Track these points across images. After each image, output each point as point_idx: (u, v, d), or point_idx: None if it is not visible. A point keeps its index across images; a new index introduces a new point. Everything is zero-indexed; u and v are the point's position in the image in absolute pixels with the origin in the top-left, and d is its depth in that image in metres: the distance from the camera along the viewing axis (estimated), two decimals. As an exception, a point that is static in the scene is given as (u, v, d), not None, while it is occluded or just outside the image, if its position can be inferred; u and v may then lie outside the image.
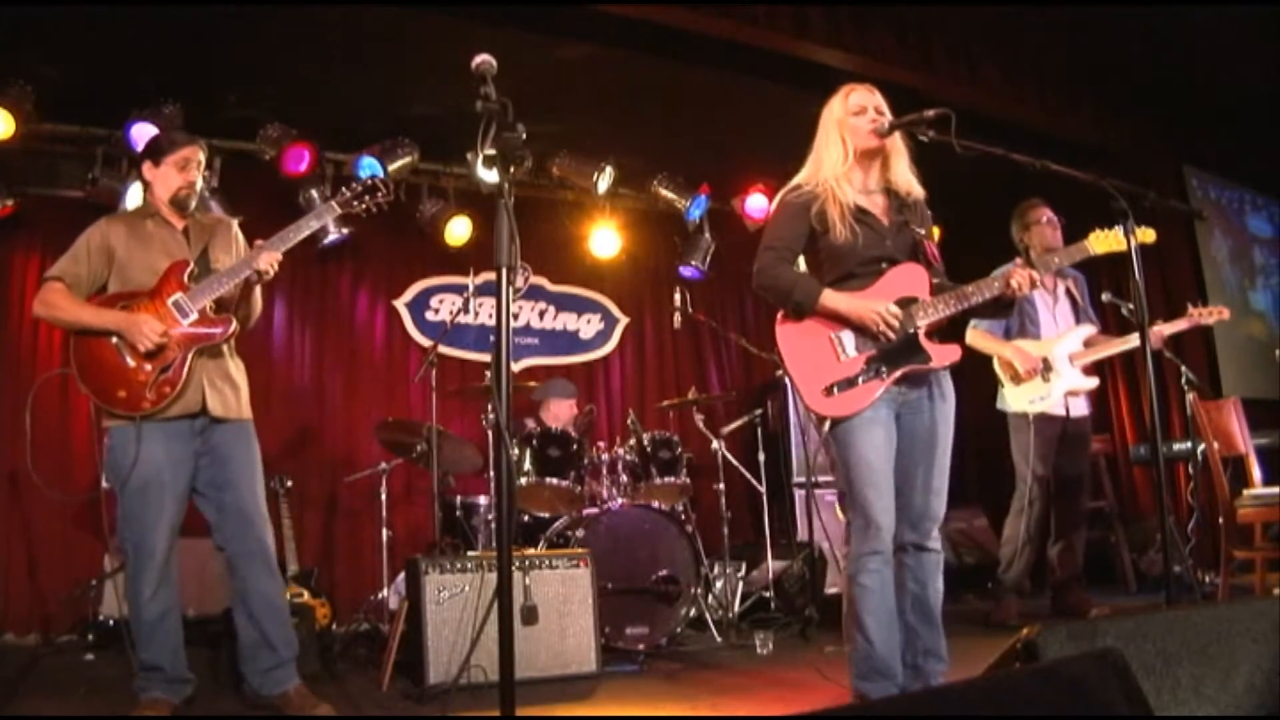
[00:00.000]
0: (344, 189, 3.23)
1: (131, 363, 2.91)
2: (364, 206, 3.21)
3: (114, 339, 2.92)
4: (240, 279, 3.04)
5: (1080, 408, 4.45)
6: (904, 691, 2.53)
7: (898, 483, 2.62)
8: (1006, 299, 2.68)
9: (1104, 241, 2.87)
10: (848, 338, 2.61)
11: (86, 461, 5.08)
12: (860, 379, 2.57)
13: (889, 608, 2.57)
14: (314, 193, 5.42)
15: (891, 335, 2.59)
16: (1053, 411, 4.34)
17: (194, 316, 2.97)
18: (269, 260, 3.00)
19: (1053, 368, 4.31)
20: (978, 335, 4.33)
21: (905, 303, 2.63)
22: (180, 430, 2.97)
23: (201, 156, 3.17)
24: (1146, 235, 2.85)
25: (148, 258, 3.03)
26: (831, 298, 2.60)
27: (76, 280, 3.00)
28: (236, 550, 3.00)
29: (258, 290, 3.17)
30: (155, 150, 3.16)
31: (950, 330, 2.72)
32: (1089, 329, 4.41)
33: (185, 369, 2.93)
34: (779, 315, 2.68)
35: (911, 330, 2.62)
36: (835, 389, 2.56)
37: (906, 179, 2.72)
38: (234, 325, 3.03)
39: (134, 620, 2.91)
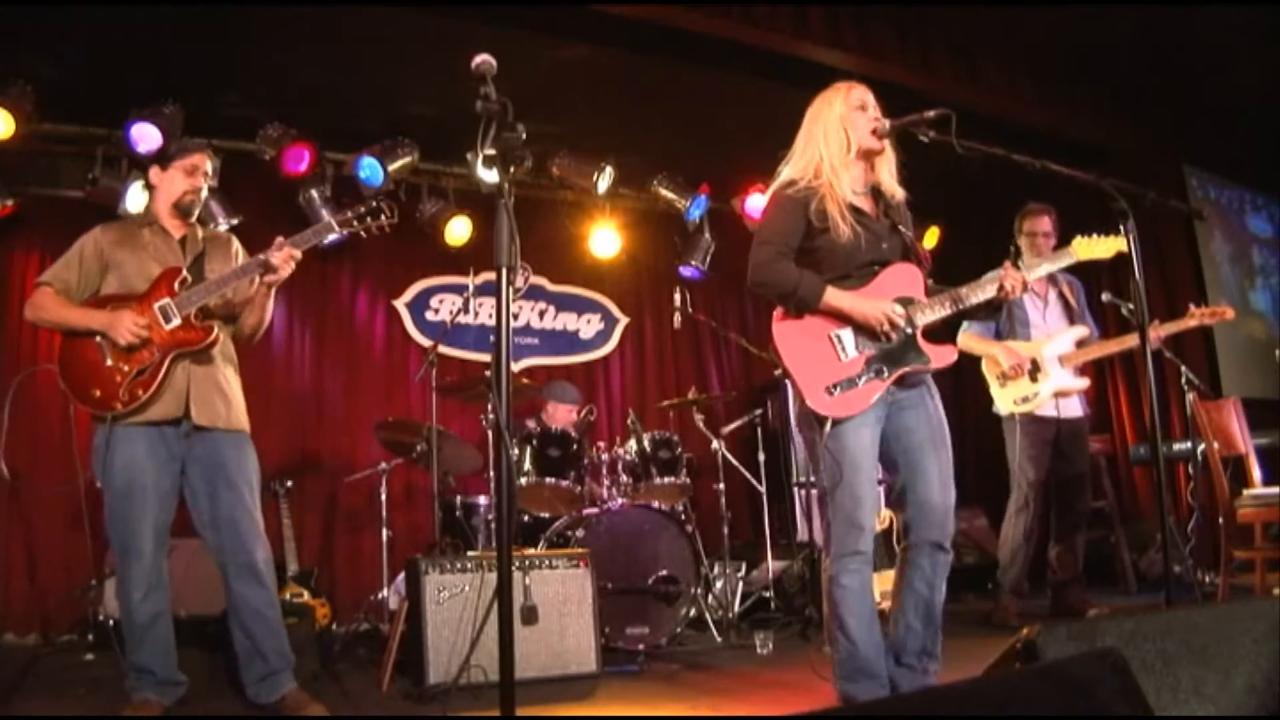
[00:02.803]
0: (348, 210, 3.17)
1: (110, 363, 2.92)
2: (364, 227, 3.16)
3: (98, 339, 2.94)
4: (235, 284, 3.02)
5: (1073, 409, 4.45)
6: (897, 691, 2.53)
7: (911, 479, 2.61)
8: (997, 301, 2.69)
9: (1088, 248, 2.89)
10: (847, 337, 2.60)
11: (87, 459, 5.08)
12: (861, 379, 2.56)
13: (870, 608, 2.57)
14: (314, 193, 5.42)
15: (894, 335, 2.59)
16: (1042, 413, 4.35)
17: (177, 322, 2.96)
18: (284, 256, 2.95)
19: (1041, 368, 4.32)
20: (968, 338, 4.35)
21: (903, 303, 2.63)
22: (163, 434, 2.96)
23: (210, 165, 3.18)
24: (1121, 245, 2.86)
25: (141, 265, 3.03)
26: (835, 296, 2.58)
27: (66, 286, 3.02)
28: (225, 561, 3.00)
29: (271, 298, 3.13)
30: (163, 155, 3.18)
31: (944, 333, 2.72)
32: (1081, 331, 4.42)
33: (162, 373, 2.93)
34: (777, 313, 2.66)
35: (910, 331, 2.62)
36: (836, 389, 2.55)
37: (891, 181, 2.72)
38: (215, 334, 3.00)
39: (125, 622, 2.91)
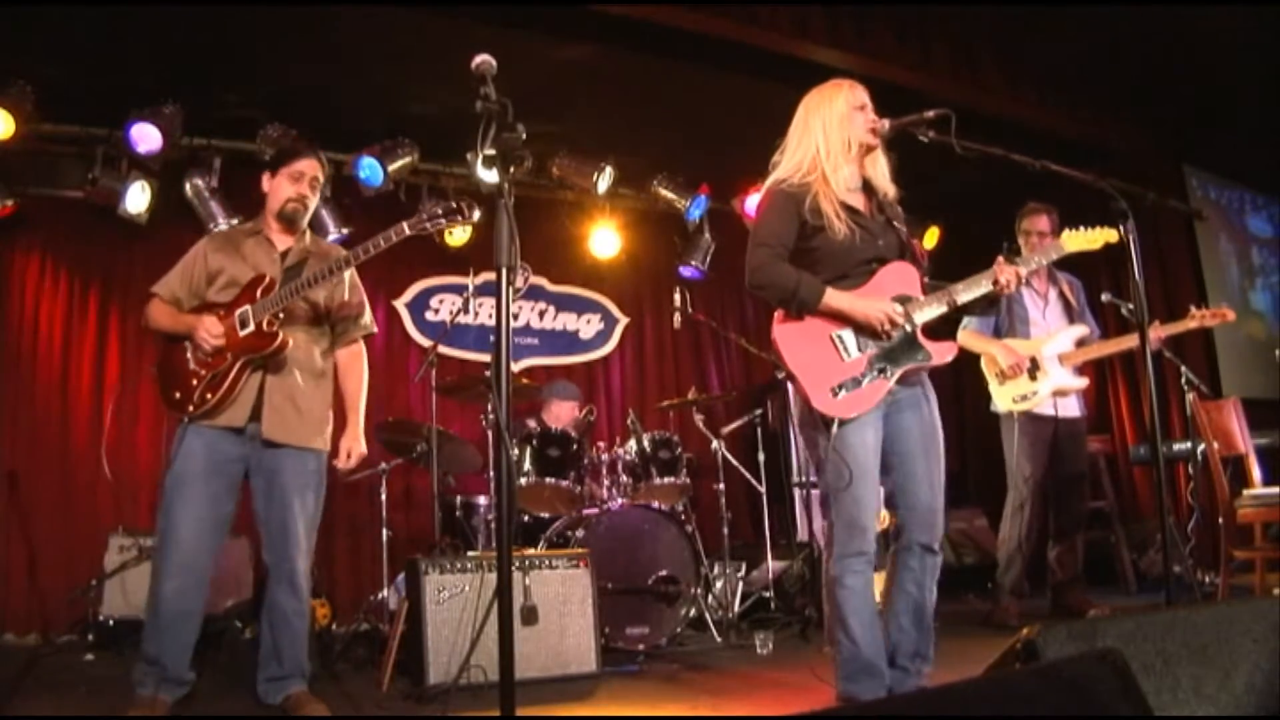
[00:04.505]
0: (422, 211, 3.02)
1: (192, 366, 3.00)
2: (437, 230, 3.10)
3: (186, 343, 3.02)
4: (306, 293, 3.01)
5: (1071, 408, 4.45)
6: (891, 692, 2.53)
7: (903, 481, 2.62)
8: (994, 295, 2.71)
9: (1078, 240, 2.92)
10: (848, 337, 2.60)
11: (86, 459, 5.09)
12: (865, 379, 2.56)
13: (872, 608, 2.58)
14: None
15: (895, 334, 2.59)
16: (1040, 411, 4.35)
17: (250, 328, 2.98)
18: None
19: (1040, 367, 4.32)
20: (967, 335, 4.35)
21: (901, 301, 2.63)
22: (228, 437, 2.99)
23: (320, 174, 3.18)
24: (1110, 236, 2.87)
25: (238, 274, 3.07)
26: (835, 297, 2.58)
27: (174, 297, 3.11)
28: (270, 563, 3.06)
29: (366, 311, 3.22)
30: (274, 159, 3.19)
31: (943, 329, 2.73)
32: (1081, 330, 4.42)
33: (231, 378, 2.95)
34: (777, 315, 2.66)
35: (910, 329, 2.62)
36: (841, 390, 2.55)
37: (885, 178, 2.73)
38: (280, 339, 2.98)
39: (150, 607, 2.91)
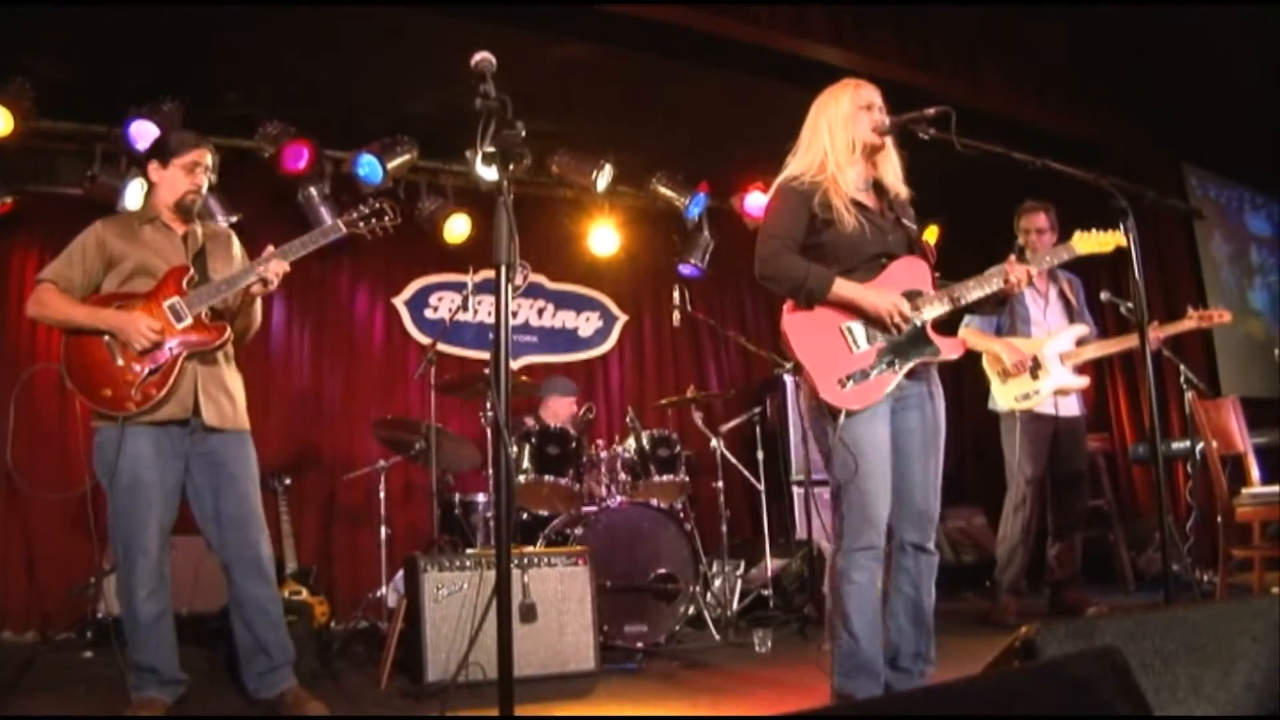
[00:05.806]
0: (352, 210, 3.17)
1: (121, 362, 2.90)
2: (369, 229, 3.17)
3: (106, 338, 2.91)
4: (239, 288, 3.02)
5: (1071, 407, 4.46)
6: (891, 692, 2.52)
7: (898, 480, 2.61)
8: (1002, 294, 2.71)
9: (1089, 242, 2.90)
10: (858, 329, 2.60)
11: (83, 459, 5.08)
12: (873, 371, 2.57)
13: (875, 606, 2.57)
14: (313, 190, 5.41)
15: (904, 327, 2.59)
16: (1041, 410, 4.36)
17: (188, 321, 2.95)
18: (277, 269, 2.98)
19: (1042, 366, 4.33)
20: (969, 333, 4.36)
21: (910, 295, 2.63)
22: (168, 432, 2.95)
23: (210, 160, 3.15)
24: (1120, 239, 2.86)
25: (143, 261, 3.01)
26: (845, 287, 2.57)
27: (69, 283, 2.98)
28: (230, 557, 3.00)
29: (258, 302, 3.14)
30: (163, 151, 3.12)
31: (946, 328, 2.73)
32: (1081, 329, 4.43)
33: (175, 372, 2.92)
34: (787, 305, 2.66)
35: (919, 323, 2.62)
36: (849, 381, 2.55)
37: (896, 177, 2.73)
38: (228, 333, 3.01)
39: (129, 621, 2.89)
